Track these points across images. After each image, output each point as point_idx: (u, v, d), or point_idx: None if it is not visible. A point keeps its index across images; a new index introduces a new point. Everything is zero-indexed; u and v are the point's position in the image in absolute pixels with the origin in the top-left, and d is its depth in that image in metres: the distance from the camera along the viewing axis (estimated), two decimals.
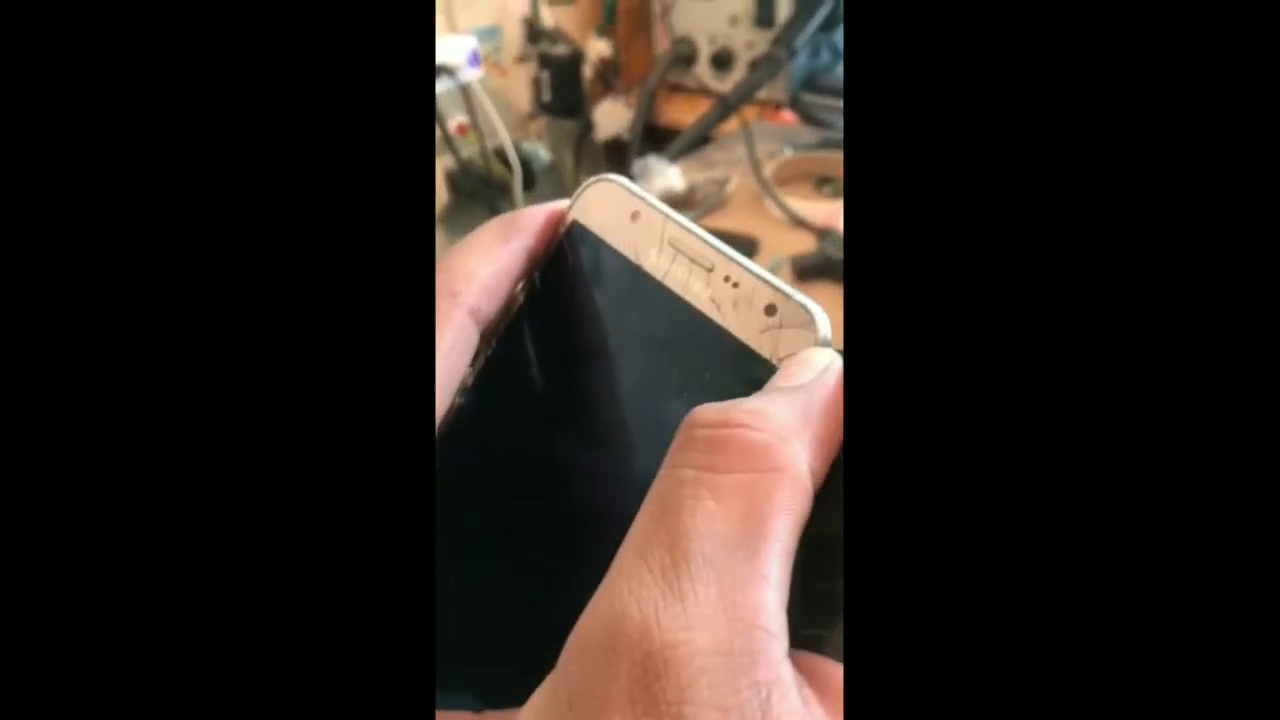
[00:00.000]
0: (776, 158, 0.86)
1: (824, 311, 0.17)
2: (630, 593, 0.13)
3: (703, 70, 1.12)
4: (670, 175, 0.81)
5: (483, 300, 0.19)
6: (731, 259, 0.18)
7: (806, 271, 0.67)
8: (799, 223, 0.74)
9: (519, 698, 0.15)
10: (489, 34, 1.10)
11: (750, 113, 0.92)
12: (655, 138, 1.08)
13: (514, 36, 1.13)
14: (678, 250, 0.18)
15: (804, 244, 0.70)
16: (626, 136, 1.12)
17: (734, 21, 1.08)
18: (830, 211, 0.74)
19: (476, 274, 0.19)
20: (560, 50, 1.11)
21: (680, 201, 0.79)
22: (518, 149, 1.02)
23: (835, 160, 0.86)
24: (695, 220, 0.19)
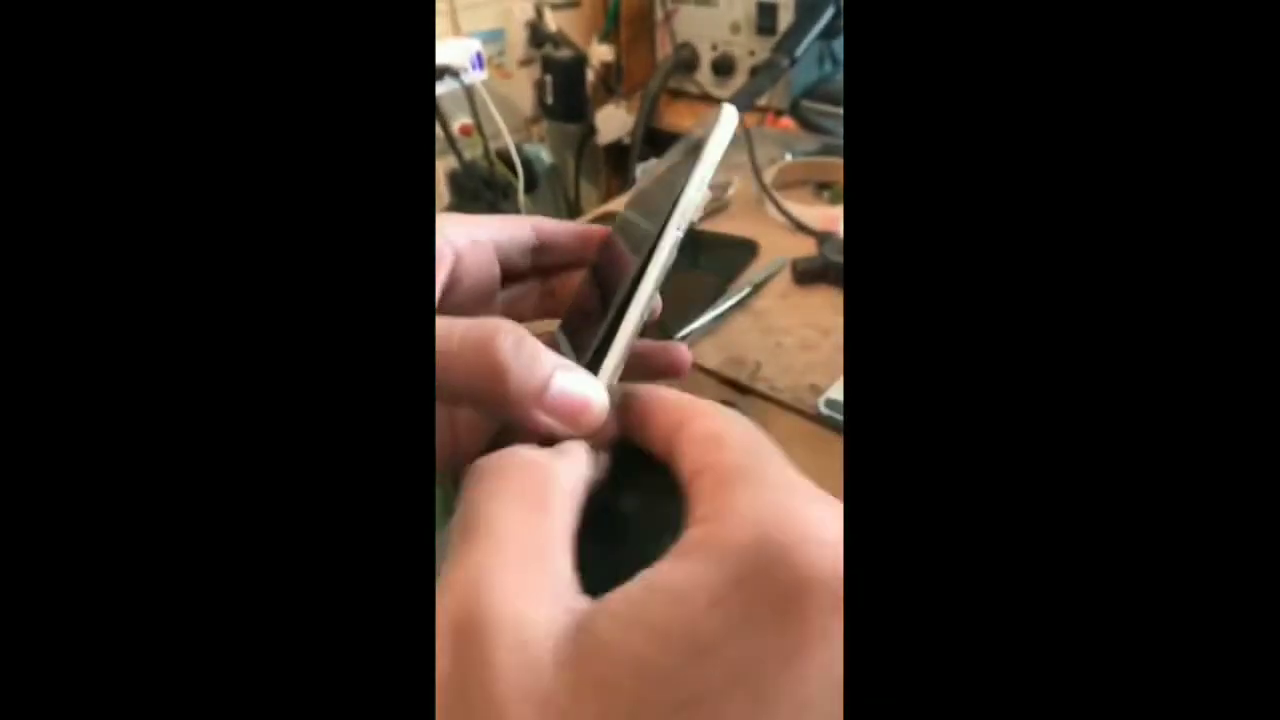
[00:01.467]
0: (777, 163, 0.86)
1: None
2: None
3: (704, 76, 1.13)
4: None
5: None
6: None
7: (806, 275, 0.67)
8: (799, 227, 0.75)
9: None
10: (493, 37, 1.11)
11: (751, 119, 0.93)
12: (656, 142, 1.09)
13: (518, 40, 1.14)
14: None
15: (804, 248, 0.71)
16: (628, 140, 1.13)
17: (735, 29, 1.08)
18: (830, 216, 0.75)
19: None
20: (563, 54, 1.11)
21: None
22: (520, 151, 1.02)
23: (835, 166, 0.87)
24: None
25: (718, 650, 0.13)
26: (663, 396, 0.21)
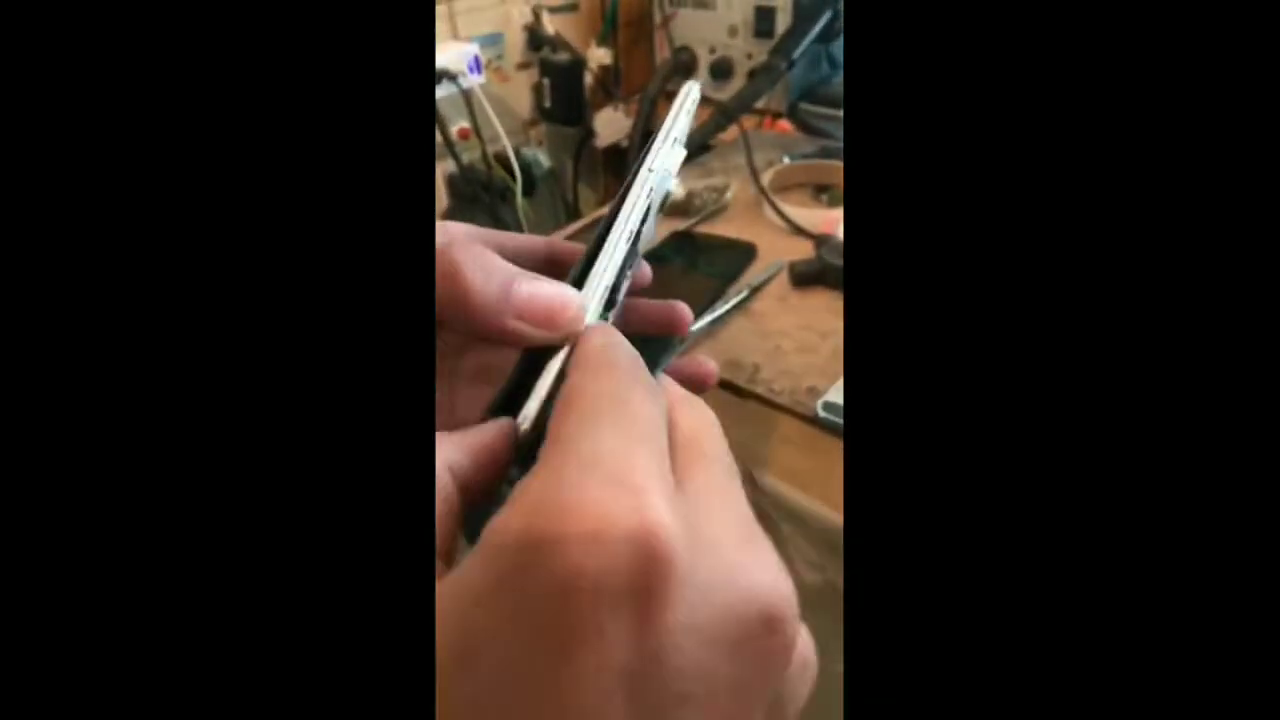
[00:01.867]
0: (775, 166, 0.87)
1: None
2: None
3: (702, 79, 1.13)
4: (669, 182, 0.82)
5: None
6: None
7: (804, 278, 0.67)
8: (797, 230, 0.75)
9: None
10: (491, 41, 1.11)
11: (749, 122, 0.93)
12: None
13: (516, 43, 1.14)
14: None
15: (802, 250, 0.71)
16: (626, 143, 1.13)
17: (733, 32, 1.09)
18: (828, 219, 0.75)
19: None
20: (561, 58, 1.11)
21: (679, 208, 0.80)
22: (518, 155, 1.02)
23: (832, 168, 0.87)
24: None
25: (481, 655, 0.13)
26: (580, 341, 0.19)
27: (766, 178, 0.81)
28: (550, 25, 1.13)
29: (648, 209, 0.23)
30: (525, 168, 1.04)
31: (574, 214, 1.20)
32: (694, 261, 0.71)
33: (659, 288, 0.27)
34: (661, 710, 0.13)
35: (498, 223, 1.03)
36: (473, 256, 0.20)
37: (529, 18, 1.13)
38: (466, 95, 0.95)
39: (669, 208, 0.80)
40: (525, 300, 0.19)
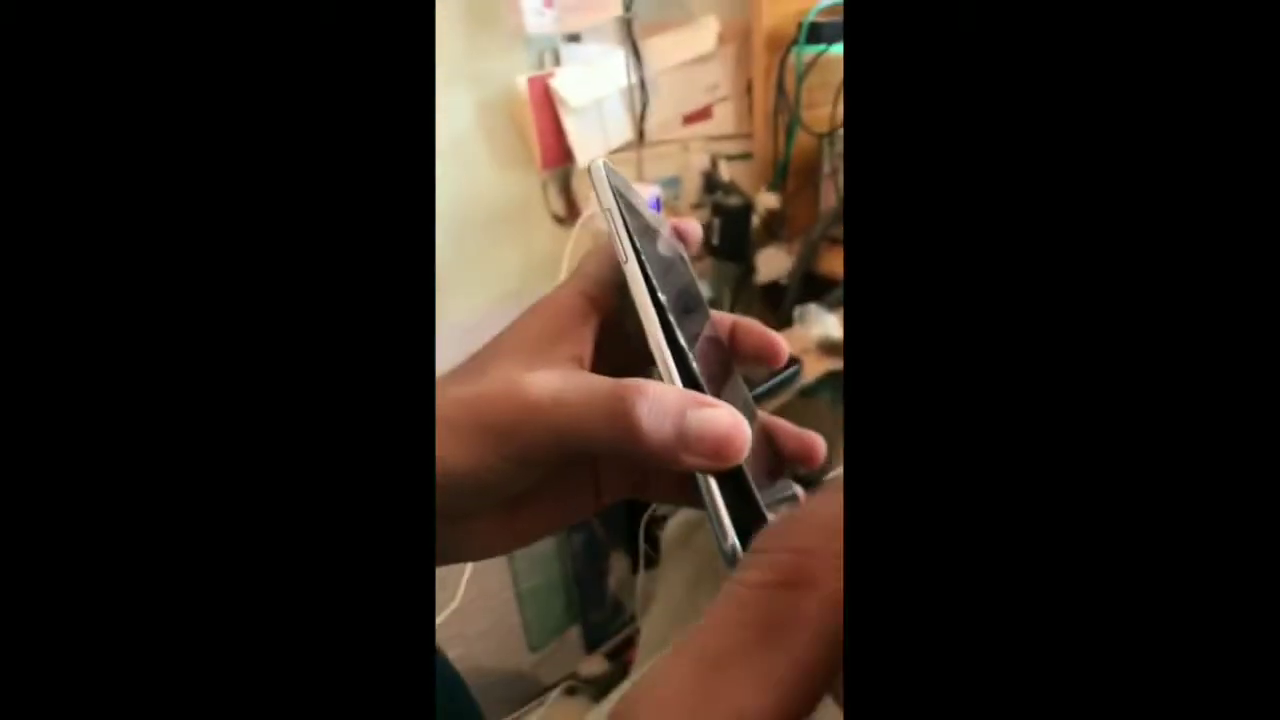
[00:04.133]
0: None
1: None
2: None
3: None
4: (828, 323, 0.86)
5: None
6: None
7: None
8: None
9: None
10: (671, 183, 1.22)
11: None
12: (812, 285, 1.14)
13: (693, 186, 1.25)
14: None
15: None
16: (785, 281, 1.19)
17: None
18: None
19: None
20: (733, 201, 1.21)
21: (835, 347, 0.83)
22: None
23: None
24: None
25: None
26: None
27: None
28: (726, 172, 1.24)
29: (648, 275, 0.24)
30: None
31: None
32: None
33: (809, 422, 0.28)
34: None
35: None
36: (645, 398, 0.21)
37: (707, 165, 1.24)
38: None
39: (827, 346, 0.83)
40: (696, 437, 0.21)
